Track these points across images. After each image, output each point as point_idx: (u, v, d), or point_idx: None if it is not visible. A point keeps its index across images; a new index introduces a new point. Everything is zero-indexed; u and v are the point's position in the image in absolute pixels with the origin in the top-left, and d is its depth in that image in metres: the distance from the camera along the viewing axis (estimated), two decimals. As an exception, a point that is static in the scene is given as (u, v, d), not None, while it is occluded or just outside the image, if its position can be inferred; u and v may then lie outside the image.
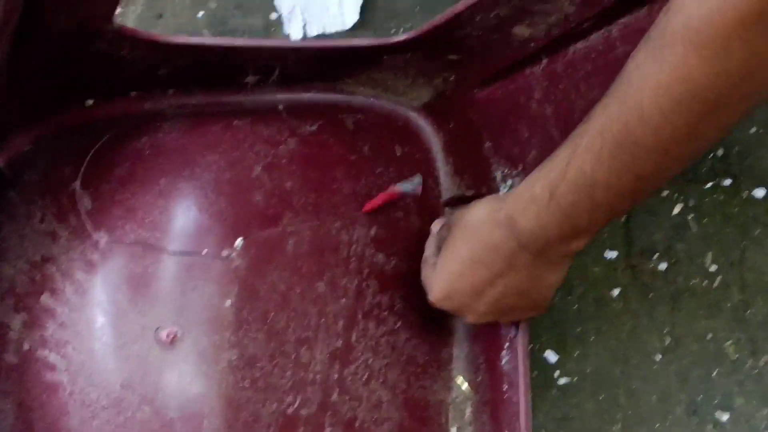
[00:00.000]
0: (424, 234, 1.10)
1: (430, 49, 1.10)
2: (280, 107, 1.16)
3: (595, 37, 1.03)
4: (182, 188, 1.11)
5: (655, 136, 0.84)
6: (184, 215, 1.10)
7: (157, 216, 1.09)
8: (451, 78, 1.15)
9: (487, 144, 1.15)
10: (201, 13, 1.23)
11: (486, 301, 0.99)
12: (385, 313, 1.13)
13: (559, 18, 1.02)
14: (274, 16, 1.23)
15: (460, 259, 0.99)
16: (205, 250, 1.08)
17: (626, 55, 0.99)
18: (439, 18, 1.05)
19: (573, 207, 0.90)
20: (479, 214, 0.98)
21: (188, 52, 1.09)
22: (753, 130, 1.23)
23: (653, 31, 0.83)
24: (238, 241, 1.09)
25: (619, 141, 0.86)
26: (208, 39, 1.17)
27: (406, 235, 1.12)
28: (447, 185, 1.18)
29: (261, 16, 1.24)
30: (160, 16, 1.23)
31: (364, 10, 1.24)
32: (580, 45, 1.05)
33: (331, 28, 1.23)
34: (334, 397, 1.10)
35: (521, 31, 1.04)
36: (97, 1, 0.99)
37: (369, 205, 1.12)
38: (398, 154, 1.17)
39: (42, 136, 1.12)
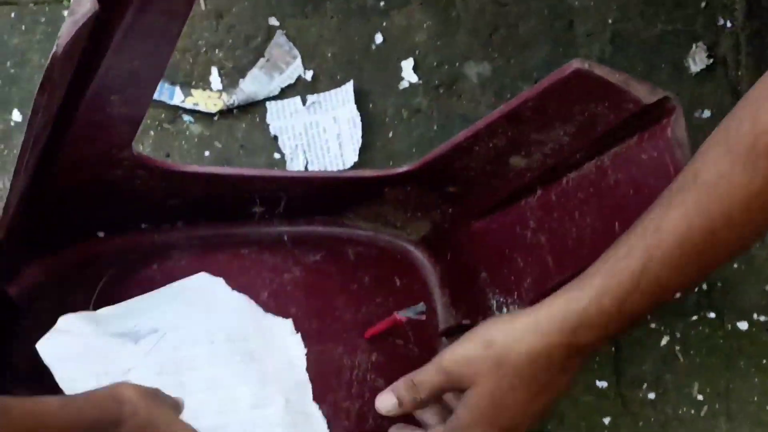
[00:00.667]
0: (423, 362, 1.14)
1: (430, 181, 1.17)
2: (285, 238, 1.23)
3: (588, 166, 1.09)
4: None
5: (739, 237, 0.92)
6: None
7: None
8: (449, 211, 1.21)
9: (483, 274, 1.21)
10: (207, 153, 1.30)
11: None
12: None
13: (553, 148, 1.08)
14: (277, 156, 1.30)
15: (520, 407, 1.00)
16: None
17: (618, 183, 1.06)
18: (439, 149, 1.12)
19: (640, 315, 0.95)
20: (528, 348, 0.98)
21: (200, 182, 1.16)
22: (735, 265, 1.29)
23: (735, 144, 0.89)
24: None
25: (702, 248, 0.92)
26: (219, 168, 1.23)
27: (406, 362, 1.16)
28: (444, 316, 1.24)
29: (265, 156, 1.30)
30: (168, 155, 1.29)
31: (362, 151, 1.31)
32: (573, 174, 1.11)
33: (332, 167, 1.30)
34: None
35: (517, 161, 1.11)
36: (118, 128, 1.06)
37: (371, 332, 1.17)
38: (397, 285, 1.23)
39: (55, 267, 1.17)
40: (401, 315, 1.17)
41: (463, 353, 0.99)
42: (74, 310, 1.13)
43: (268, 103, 1.33)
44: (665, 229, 0.92)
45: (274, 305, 1.18)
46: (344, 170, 1.30)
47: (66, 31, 0.87)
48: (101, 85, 0.99)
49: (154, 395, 0.93)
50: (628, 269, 0.94)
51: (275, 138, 1.32)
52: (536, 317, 0.98)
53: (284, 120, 1.32)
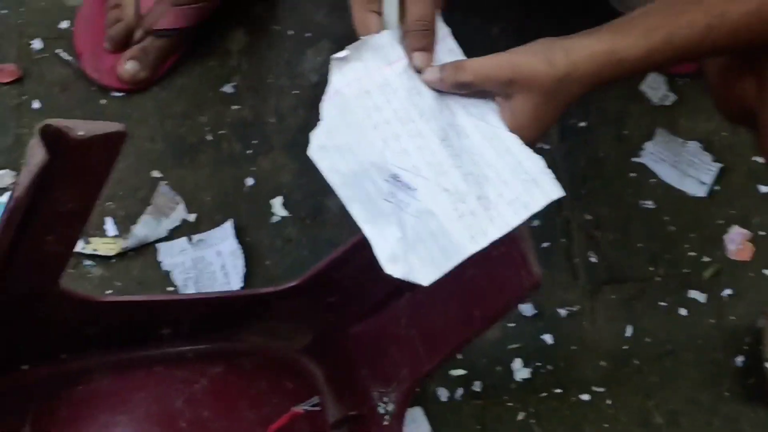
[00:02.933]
0: None
1: (313, 293, 1.33)
2: (190, 355, 1.36)
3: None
4: (119, 422, 1.30)
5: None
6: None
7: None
8: (331, 319, 1.37)
9: (364, 370, 1.37)
10: (109, 292, 1.47)
11: None
12: None
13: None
14: (171, 289, 1.47)
15: (548, 123, 1.11)
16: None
17: (474, 276, 1.21)
18: (318, 264, 1.29)
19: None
20: (584, 76, 1.08)
21: (116, 309, 1.30)
22: (574, 347, 1.51)
23: None
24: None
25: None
26: (132, 296, 1.40)
27: None
28: (332, 410, 1.37)
29: (160, 290, 1.47)
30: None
31: (246, 278, 1.49)
32: (436, 274, 1.29)
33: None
34: None
35: (387, 267, 1.30)
36: (51, 266, 1.18)
37: (273, 428, 1.32)
38: (290, 387, 1.37)
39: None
40: (299, 408, 1.33)
41: (527, 65, 1.07)
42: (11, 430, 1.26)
43: (158, 245, 1.51)
44: (728, 16, 1.07)
45: (188, 411, 1.30)
46: (237, 290, 1.48)
47: (24, 178, 1.00)
48: (40, 226, 1.10)
49: None
50: (689, 38, 1.08)
51: (168, 273, 1.49)
52: (595, 48, 1.08)
53: (174, 257, 1.50)
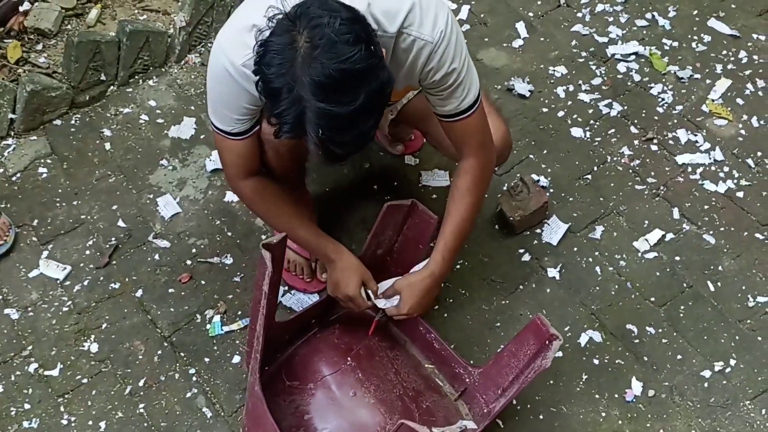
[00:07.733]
0: (403, 346, 1.87)
1: None
2: (324, 326, 1.89)
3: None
4: (317, 360, 1.80)
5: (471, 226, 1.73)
6: (328, 365, 1.80)
7: (318, 370, 1.79)
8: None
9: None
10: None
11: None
12: (412, 377, 1.82)
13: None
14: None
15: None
16: (343, 366, 1.79)
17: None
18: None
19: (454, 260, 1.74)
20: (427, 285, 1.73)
21: (295, 320, 1.82)
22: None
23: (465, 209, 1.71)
24: (348, 359, 1.80)
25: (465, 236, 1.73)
26: (298, 312, 1.90)
27: (390, 339, 1.89)
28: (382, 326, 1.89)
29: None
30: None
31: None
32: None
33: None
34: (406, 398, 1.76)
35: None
36: (273, 313, 1.65)
37: (370, 331, 1.85)
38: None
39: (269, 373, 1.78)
40: (377, 319, 1.83)
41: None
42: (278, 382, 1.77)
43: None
44: (465, 225, 1.71)
45: (341, 341, 1.81)
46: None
47: (268, 264, 1.50)
48: (270, 293, 1.60)
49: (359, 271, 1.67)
50: (450, 250, 1.72)
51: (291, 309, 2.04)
52: (430, 273, 1.71)
53: (289, 302, 2.02)
